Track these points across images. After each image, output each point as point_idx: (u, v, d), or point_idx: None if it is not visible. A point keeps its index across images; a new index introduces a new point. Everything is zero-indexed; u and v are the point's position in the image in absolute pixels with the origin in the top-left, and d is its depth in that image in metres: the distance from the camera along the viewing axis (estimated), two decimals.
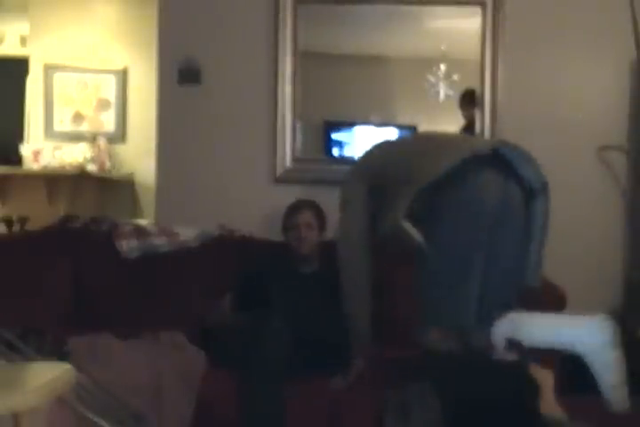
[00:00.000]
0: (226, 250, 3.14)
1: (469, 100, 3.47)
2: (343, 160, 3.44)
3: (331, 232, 2.93)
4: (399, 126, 3.51)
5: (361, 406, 2.43)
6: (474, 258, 2.38)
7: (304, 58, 3.45)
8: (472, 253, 2.38)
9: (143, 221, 3.53)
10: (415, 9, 3.46)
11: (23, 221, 4.05)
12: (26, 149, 4.81)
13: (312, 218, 2.96)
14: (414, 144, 2.64)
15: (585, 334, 2.22)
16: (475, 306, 2.38)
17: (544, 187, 2.48)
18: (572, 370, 2.74)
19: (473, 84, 3.46)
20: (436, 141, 2.56)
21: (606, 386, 2.20)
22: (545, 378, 2.52)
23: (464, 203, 2.37)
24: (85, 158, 4.76)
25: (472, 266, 2.38)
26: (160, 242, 3.11)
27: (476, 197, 2.38)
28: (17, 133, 5.13)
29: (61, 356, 2.34)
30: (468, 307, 2.37)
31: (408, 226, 2.35)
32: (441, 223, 2.38)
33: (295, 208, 2.99)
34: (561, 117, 3.47)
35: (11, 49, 5.80)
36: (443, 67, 3.45)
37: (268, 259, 3.03)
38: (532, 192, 2.49)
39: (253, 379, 2.43)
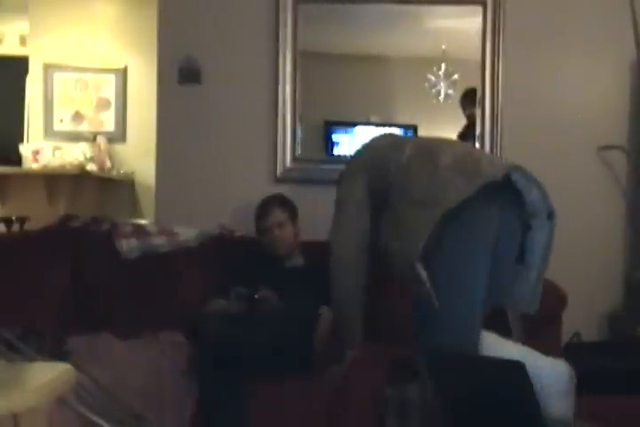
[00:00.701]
0: (226, 250, 3.14)
1: (471, 100, 3.47)
2: (343, 160, 3.44)
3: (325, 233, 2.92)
4: (399, 126, 3.51)
5: (360, 405, 2.43)
6: (477, 297, 2.29)
7: (304, 58, 3.45)
8: (477, 292, 2.29)
9: (143, 221, 3.53)
10: (416, 8, 3.46)
11: (22, 220, 4.04)
12: (25, 149, 4.80)
13: (281, 215, 2.96)
14: (419, 155, 2.43)
15: (543, 379, 2.17)
16: (478, 337, 2.29)
17: (550, 215, 2.38)
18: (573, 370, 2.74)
19: (473, 83, 3.46)
20: (446, 158, 2.35)
21: None
22: None
23: (469, 239, 2.27)
24: (85, 158, 4.76)
25: (476, 305, 2.29)
26: (160, 242, 3.11)
27: (482, 232, 2.29)
28: (16, 133, 5.12)
29: (61, 356, 2.33)
30: (472, 339, 2.30)
31: (420, 269, 2.23)
32: (445, 261, 2.27)
33: (262, 210, 3.00)
34: (561, 117, 3.47)
35: (10, 48, 5.79)
36: (443, 66, 3.45)
37: (254, 255, 3.02)
38: (536, 219, 2.39)
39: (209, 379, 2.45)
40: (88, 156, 4.78)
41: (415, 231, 2.24)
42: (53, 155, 4.76)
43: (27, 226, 4.00)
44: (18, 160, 4.78)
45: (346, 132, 3.56)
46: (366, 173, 2.52)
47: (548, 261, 2.43)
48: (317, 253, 2.85)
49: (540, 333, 2.66)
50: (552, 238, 2.41)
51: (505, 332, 2.57)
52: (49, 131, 5.06)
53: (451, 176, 2.26)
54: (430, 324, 2.30)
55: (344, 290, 2.55)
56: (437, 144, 2.53)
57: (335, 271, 2.57)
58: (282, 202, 3.03)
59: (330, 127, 3.54)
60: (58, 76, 5.07)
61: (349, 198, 2.53)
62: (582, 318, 3.21)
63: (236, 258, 3.02)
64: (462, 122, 3.50)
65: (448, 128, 3.49)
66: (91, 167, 4.72)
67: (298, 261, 3.00)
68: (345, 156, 3.48)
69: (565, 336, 3.01)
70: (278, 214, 2.97)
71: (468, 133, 3.49)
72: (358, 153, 2.69)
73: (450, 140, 2.66)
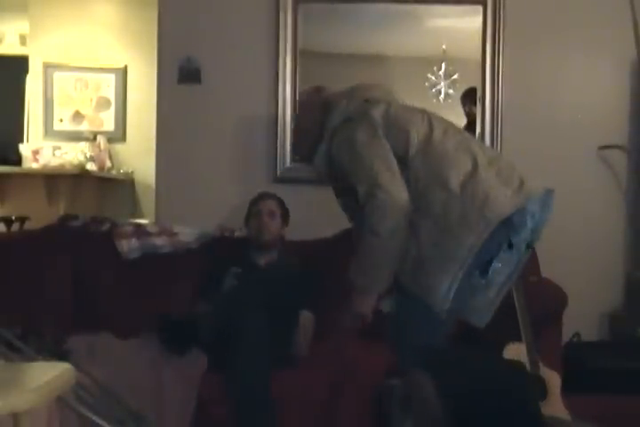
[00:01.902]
0: (225, 250, 3.14)
1: (471, 98, 3.47)
2: None
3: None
4: None
5: (360, 393, 2.46)
6: None
7: (304, 57, 3.45)
8: None
9: (143, 221, 3.53)
10: (416, 8, 3.46)
11: (22, 220, 4.05)
12: (25, 149, 4.80)
13: (275, 207, 2.99)
14: (451, 137, 2.30)
15: None
16: None
17: (529, 245, 2.28)
18: (573, 370, 2.75)
19: (473, 83, 3.46)
20: (482, 159, 2.26)
21: None
22: (552, 379, 2.52)
23: None
24: (85, 158, 4.76)
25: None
26: (160, 242, 3.10)
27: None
28: (16, 133, 5.12)
29: (61, 355, 2.33)
30: None
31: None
32: None
33: (258, 197, 3.04)
34: (561, 117, 3.47)
35: (10, 48, 5.79)
36: (443, 66, 3.45)
37: (226, 255, 3.04)
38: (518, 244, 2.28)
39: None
40: (88, 155, 4.78)
41: (462, 230, 2.16)
42: (53, 154, 4.76)
43: (27, 226, 4.00)
44: (18, 160, 4.78)
45: None
46: (384, 131, 2.31)
47: (510, 285, 2.35)
48: (318, 252, 2.86)
49: (541, 332, 2.66)
50: (521, 266, 2.32)
51: (512, 326, 2.58)
52: (49, 130, 5.05)
53: (494, 184, 2.21)
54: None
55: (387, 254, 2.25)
56: (463, 134, 2.47)
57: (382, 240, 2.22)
58: (279, 199, 3.07)
59: None
60: (58, 76, 5.06)
61: (381, 162, 2.24)
62: (582, 318, 3.21)
63: (211, 262, 3.03)
64: (462, 121, 3.49)
65: None
66: (91, 167, 4.72)
67: (272, 257, 3.00)
68: None
69: (565, 336, 3.01)
70: (273, 204, 3.01)
71: (467, 132, 3.49)
72: (364, 109, 2.38)
73: (465, 133, 2.60)
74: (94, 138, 4.88)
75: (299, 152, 2.73)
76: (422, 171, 2.24)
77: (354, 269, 2.25)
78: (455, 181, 2.20)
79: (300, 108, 2.77)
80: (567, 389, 2.57)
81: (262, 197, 3.04)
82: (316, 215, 3.30)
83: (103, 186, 4.81)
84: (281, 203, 3.04)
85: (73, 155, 4.75)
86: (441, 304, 2.17)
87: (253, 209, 3.02)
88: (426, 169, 2.24)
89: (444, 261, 2.17)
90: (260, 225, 2.97)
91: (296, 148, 2.81)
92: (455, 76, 3.46)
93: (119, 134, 5.04)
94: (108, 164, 4.88)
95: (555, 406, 2.47)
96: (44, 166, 4.67)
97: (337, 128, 2.36)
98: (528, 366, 2.52)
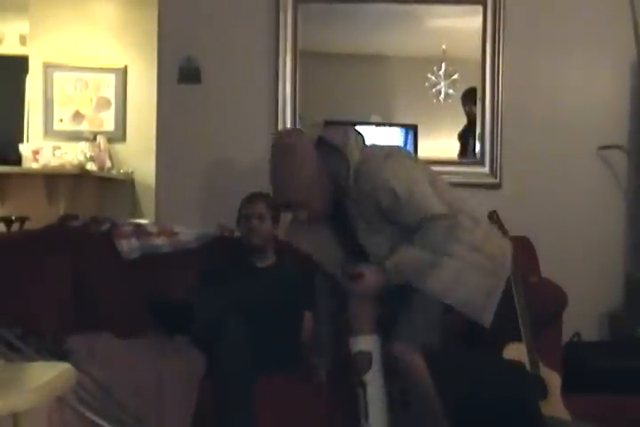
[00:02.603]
0: (225, 250, 3.14)
1: (471, 98, 3.47)
2: None
3: None
4: (399, 126, 3.50)
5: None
6: None
7: (304, 57, 3.45)
8: None
9: (143, 221, 3.53)
10: (416, 8, 3.46)
11: (22, 220, 4.04)
12: (25, 149, 4.80)
13: (265, 209, 2.94)
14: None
15: None
16: None
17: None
18: (573, 370, 2.75)
19: (473, 83, 3.46)
20: None
21: None
22: (552, 379, 2.52)
23: None
24: (85, 158, 4.76)
25: None
26: (160, 242, 3.10)
27: None
28: (16, 133, 5.12)
29: (61, 355, 2.34)
30: None
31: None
32: None
33: (249, 199, 2.99)
34: (561, 117, 3.47)
35: (10, 48, 5.80)
36: (443, 66, 3.45)
37: (226, 256, 3.04)
38: None
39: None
40: (88, 155, 4.78)
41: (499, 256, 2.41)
42: (53, 154, 4.76)
43: (27, 226, 4.00)
44: (18, 160, 4.78)
45: None
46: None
47: None
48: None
49: (541, 332, 2.66)
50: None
51: (512, 326, 2.59)
52: (49, 130, 5.06)
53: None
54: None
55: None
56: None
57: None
58: (268, 201, 2.99)
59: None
60: (58, 76, 5.06)
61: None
62: (582, 318, 3.21)
63: (209, 261, 3.03)
64: (462, 121, 3.50)
65: (448, 128, 3.49)
66: (91, 167, 4.72)
67: (270, 259, 3.00)
68: None
69: (565, 336, 3.01)
70: (262, 207, 2.95)
71: (467, 132, 3.49)
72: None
73: None
74: (94, 138, 4.88)
75: (316, 209, 2.47)
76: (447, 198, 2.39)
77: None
78: (474, 211, 2.43)
79: (292, 154, 2.39)
80: (567, 389, 2.57)
81: (251, 199, 2.98)
82: None
83: (103, 186, 4.81)
84: (270, 204, 2.98)
85: (73, 155, 4.75)
86: (488, 318, 2.34)
87: (243, 212, 2.98)
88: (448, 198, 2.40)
89: (492, 280, 2.36)
90: (249, 228, 2.93)
91: (311, 206, 2.44)
92: (455, 76, 3.46)
93: (119, 134, 5.04)
94: (108, 164, 4.89)
95: (555, 406, 2.47)
96: (44, 166, 4.67)
97: (359, 162, 2.38)
98: (528, 366, 2.52)
